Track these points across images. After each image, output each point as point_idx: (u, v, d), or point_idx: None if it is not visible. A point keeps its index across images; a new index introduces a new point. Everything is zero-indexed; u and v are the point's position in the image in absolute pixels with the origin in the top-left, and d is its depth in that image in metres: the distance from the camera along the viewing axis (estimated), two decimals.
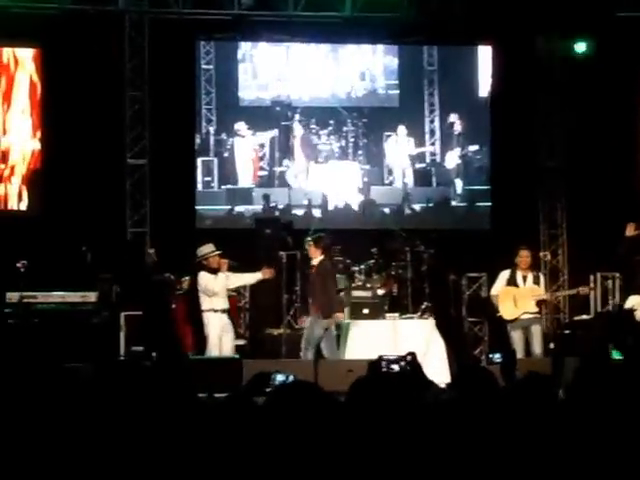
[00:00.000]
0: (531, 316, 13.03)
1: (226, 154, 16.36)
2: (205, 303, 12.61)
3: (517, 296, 12.96)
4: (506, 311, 13.03)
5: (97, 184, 15.27)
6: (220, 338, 12.46)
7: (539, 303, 13.25)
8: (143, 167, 15.72)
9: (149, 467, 3.60)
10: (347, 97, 16.71)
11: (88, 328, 13.43)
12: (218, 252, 12.59)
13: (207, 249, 12.62)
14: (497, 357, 13.56)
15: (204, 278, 12.58)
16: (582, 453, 3.70)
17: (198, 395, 4.50)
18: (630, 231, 13.06)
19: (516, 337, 12.92)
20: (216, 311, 12.50)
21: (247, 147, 16.40)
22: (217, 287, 12.52)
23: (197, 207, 16.22)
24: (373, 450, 3.25)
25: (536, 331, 12.99)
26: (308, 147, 16.56)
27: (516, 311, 12.94)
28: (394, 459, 3.25)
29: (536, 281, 13.27)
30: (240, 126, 16.31)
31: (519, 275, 13.12)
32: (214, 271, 12.54)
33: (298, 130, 16.47)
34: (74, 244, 14.18)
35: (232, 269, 12.98)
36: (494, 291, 13.35)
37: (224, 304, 12.61)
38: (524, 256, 13.14)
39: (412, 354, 5.80)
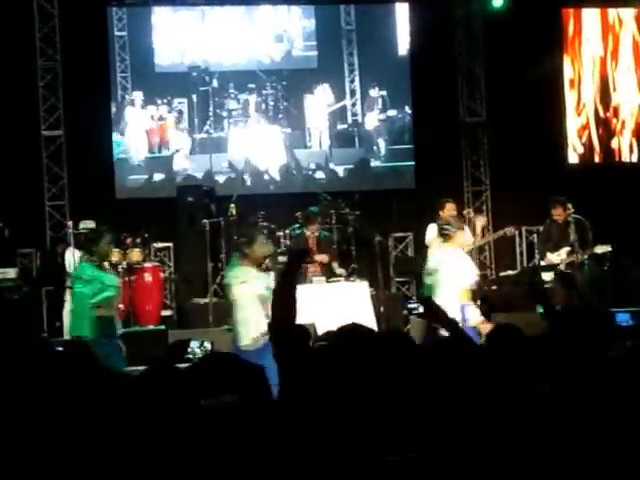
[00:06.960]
0: None
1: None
2: None
3: None
4: None
5: (12, 158, 14.93)
6: None
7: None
8: (59, 138, 15.34)
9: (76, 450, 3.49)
10: (266, 60, 16.46)
11: (9, 304, 13.21)
12: None
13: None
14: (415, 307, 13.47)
15: None
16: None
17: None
18: (559, 213, 13.02)
19: None
20: None
21: (145, 117, 16.06)
22: None
23: (116, 177, 15.90)
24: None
25: None
26: (227, 111, 16.34)
27: None
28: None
29: None
30: (135, 95, 15.97)
31: None
32: None
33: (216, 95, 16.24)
34: None
35: None
36: (429, 241, 12.80)
37: None
38: (451, 209, 12.93)
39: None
